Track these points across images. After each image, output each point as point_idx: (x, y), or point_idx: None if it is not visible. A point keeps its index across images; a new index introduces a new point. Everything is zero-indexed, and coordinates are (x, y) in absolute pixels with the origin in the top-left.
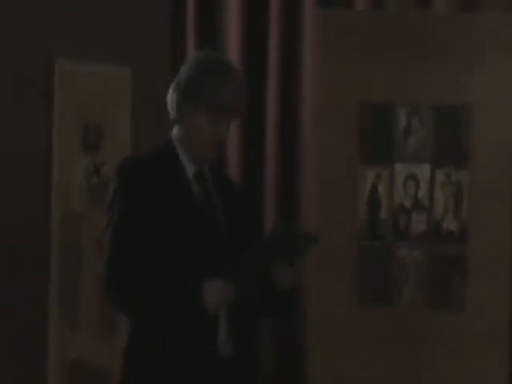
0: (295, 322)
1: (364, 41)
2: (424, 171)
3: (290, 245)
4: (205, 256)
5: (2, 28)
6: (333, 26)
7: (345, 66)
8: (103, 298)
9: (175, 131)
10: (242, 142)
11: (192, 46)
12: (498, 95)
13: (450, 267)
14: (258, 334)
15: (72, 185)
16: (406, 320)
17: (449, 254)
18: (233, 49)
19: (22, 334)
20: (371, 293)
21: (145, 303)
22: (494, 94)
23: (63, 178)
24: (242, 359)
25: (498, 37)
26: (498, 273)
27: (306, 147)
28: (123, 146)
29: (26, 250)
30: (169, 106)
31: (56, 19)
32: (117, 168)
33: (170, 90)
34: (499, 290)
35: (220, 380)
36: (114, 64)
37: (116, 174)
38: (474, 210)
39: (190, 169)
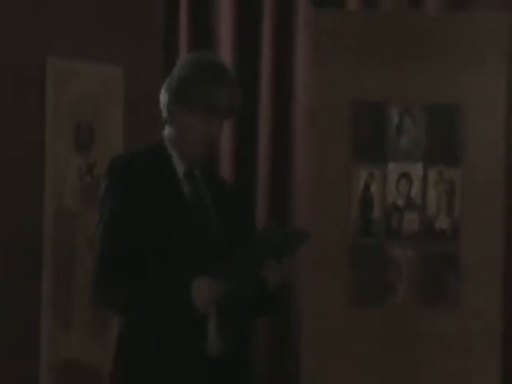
0: (288, 321)
1: (357, 40)
2: (417, 170)
3: (280, 242)
4: (195, 254)
5: None
6: (326, 26)
7: (338, 65)
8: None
9: (167, 131)
10: (234, 142)
11: (185, 46)
12: (491, 95)
13: (442, 265)
14: (250, 332)
15: (65, 184)
16: (399, 318)
17: (441, 252)
18: (226, 49)
19: (14, 334)
20: (365, 291)
21: (134, 300)
22: (487, 94)
23: (56, 177)
24: (233, 357)
25: (491, 36)
26: (490, 270)
27: (299, 146)
28: (116, 146)
29: (19, 249)
30: (161, 106)
31: (49, 18)
32: (108, 165)
33: (163, 90)
34: (491, 287)
35: (210, 378)
36: (106, 63)
37: (107, 172)
38: (466, 209)
39: (181, 168)
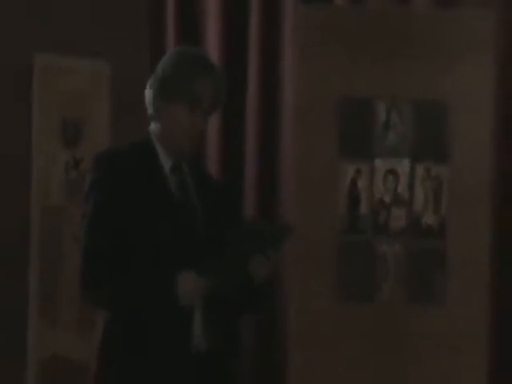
0: (276, 318)
1: (344, 37)
2: (404, 166)
3: (265, 236)
4: (181, 249)
5: None
6: (313, 22)
7: (325, 61)
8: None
9: (153, 126)
10: (221, 137)
11: (172, 42)
12: (479, 92)
13: (429, 262)
14: (236, 329)
15: (52, 180)
16: (386, 315)
17: (428, 248)
18: (213, 45)
19: (1, 330)
20: (352, 288)
21: (119, 295)
22: (474, 91)
23: (43, 172)
24: (220, 354)
25: (478, 34)
26: (477, 268)
27: (287, 142)
28: (103, 142)
29: (5, 246)
30: (146, 101)
31: (36, 15)
32: (93, 161)
33: (148, 86)
34: (478, 285)
35: (196, 374)
36: (93, 60)
37: (92, 167)
38: (453, 206)
39: (167, 163)
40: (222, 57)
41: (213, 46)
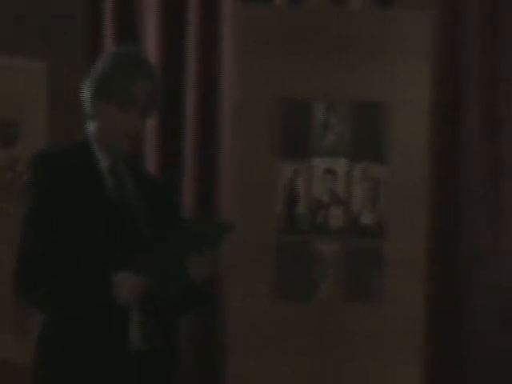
0: (215, 318)
1: (282, 36)
2: (341, 166)
3: (202, 235)
4: (119, 249)
5: None
6: (252, 21)
7: (263, 61)
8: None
9: (90, 126)
10: (160, 136)
11: (110, 41)
12: (415, 92)
13: (367, 261)
14: (175, 329)
15: None
16: (325, 314)
17: (366, 247)
18: (151, 45)
19: None
20: (290, 288)
21: (54, 296)
22: (411, 91)
23: None
24: (159, 354)
25: (415, 34)
26: (413, 267)
27: (226, 143)
28: (39, 142)
29: None
30: (83, 101)
31: None
32: (30, 161)
33: (84, 86)
34: (415, 284)
35: (133, 374)
36: (30, 59)
37: (29, 168)
38: (390, 205)
39: (105, 163)
40: (160, 55)
41: (151, 45)
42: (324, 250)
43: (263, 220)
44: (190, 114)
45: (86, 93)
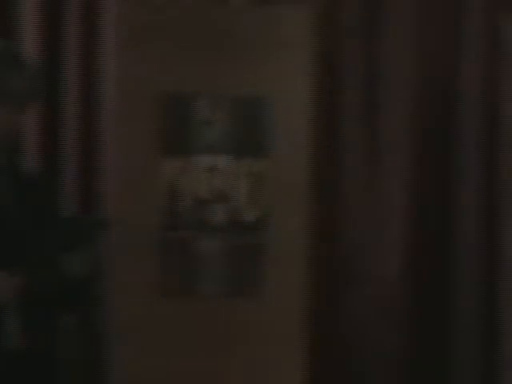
0: (96, 316)
1: (165, 32)
2: (225, 162)
3: (77, 232)
4: None
5: None
6: (133, 17)
7: (145, 57)
8: None
9: None
10: (41, 133)
11: None
12: (296, 87)
13: (250, 257)
14: (54, 328)
15: None
16: (208, 309)
17: (249, 243)
18: (30, 39)
19: None
20: (173, 284)
21: None
22: (292, 87)
23: None
24: (34, 353)
25: (294, 29)
26: (295, 262)
27: (108, 139)
28: None
29: None
30: None
31: None
32: None
33: None
34: (297, 279)
35: (13, 373)
36: None
37: None
38: (273, 201)
39: None
40: (39, 51)
41: (30, 40)
42: (207, 247)
43: (146, 217)
44: (71, 111)
45: None
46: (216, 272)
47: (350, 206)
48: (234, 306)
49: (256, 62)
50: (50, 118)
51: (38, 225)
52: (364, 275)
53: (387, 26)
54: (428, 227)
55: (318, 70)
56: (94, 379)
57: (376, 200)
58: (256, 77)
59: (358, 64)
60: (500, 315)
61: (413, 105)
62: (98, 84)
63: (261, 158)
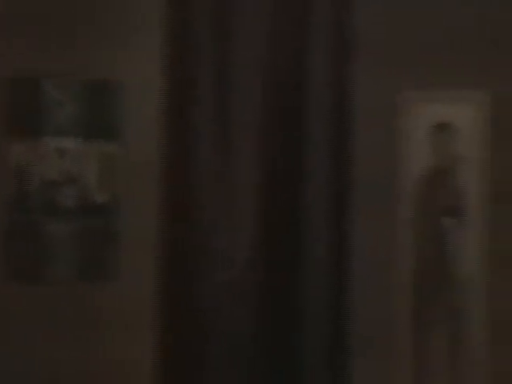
0: None
1: (12, 14)
2: (74, 144)
3: None
4: None
5: None
6: None
7: None
8: None
9: None
10: None
11: None
12: (148, 72)
13: (101, 239)
14: None
15: None
16: (59, 294)
17: (100, 226)
18: None
19: None
20: (21, 269)
21: None
22: (144, 71)
23: None
24: None
25: (148, 15)
26: (147, 245)
27: None
28: None
29: None
30: None
31: None
32: None
33: None
34: (149, 262)
35: None
36: None
37: None
38: (125, 183)
39: None
40: None
41: None
42: (56, 230)
43: None
44: None
45: None
46: (66, 255)
47: (201, 189)
48: (85, 290)
49: (108, 44)
50: None
51: None
52: (216, 259)
53: (239, 14)
54: (277, 215)
55: (170, 56)
56: None
57: (227, 185)
58: (107, 59)
59: (209, 53)
60: (349, 303)
61: (263, 93)
62: None
63: (111, 140)
